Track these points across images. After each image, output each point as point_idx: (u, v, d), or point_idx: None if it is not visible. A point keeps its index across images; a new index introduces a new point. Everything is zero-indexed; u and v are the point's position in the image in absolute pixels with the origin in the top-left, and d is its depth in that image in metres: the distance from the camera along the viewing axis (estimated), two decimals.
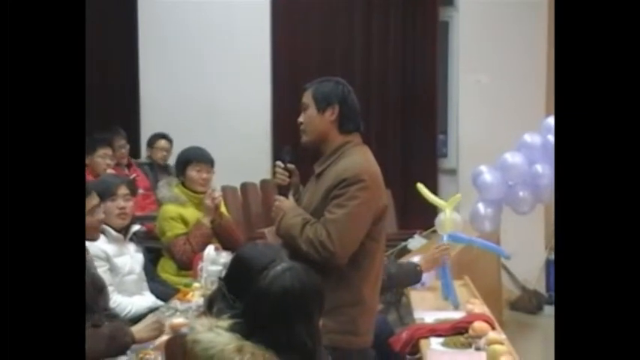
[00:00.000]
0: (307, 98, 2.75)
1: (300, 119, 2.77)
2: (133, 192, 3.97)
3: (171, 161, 5.65)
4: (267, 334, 1.92)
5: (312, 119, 2.73)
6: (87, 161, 4.81)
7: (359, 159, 2.69)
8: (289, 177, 2.82)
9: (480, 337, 2.72)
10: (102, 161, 5.04)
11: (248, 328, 1.95)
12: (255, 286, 2.00)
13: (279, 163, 2.84)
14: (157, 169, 5.81)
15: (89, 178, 4.46)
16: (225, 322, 2.01)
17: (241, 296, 2.39)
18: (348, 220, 2.58)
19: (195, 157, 4.09)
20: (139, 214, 4.33)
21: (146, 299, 3.49)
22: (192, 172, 4.05)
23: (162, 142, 5.95)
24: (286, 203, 2.76)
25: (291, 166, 2.84)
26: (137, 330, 2.71)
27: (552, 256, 6.46)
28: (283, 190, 2.82)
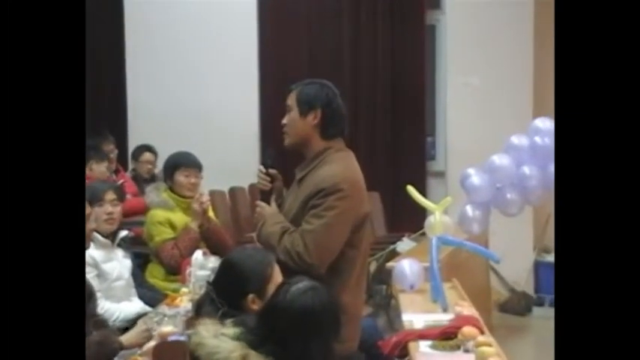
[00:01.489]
0: (291, 100, 2.73)
1: (284, 121, 2.75)
2: (121, 198, 3.95)
3: (156, 172, 5.67)
4: (281, 349, 1.92)
5: (295, 122, 2.71)
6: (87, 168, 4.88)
7: (339, 167, 2.65)
8: (271, 182, 2.80)
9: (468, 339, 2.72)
10: (105, 171, 5.08)
11: (258, 340, 1.95)
12: (274, 300, 2.00)
13: (260, 167, 2.83)
14: (142, 182, 5.75)
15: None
16: (231, 330, 2.01)
17: (230, 301, 2.39)
18: (326, 230, 2.55)
19: (184, 162, 4.09)
20: (126, 219, 4.31)
21: (134, 305, 3.48)
22: (181, 177, 4.04)
23: (148, 155, 5.92)
24: (267, 210, 2.74)
25: (272, 170, 2.82)
26: (127, 338, 2.71)
27: (541, 258, 6.50)
28: (266, 195, 2.80)
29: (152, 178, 5.73)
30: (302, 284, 2.02)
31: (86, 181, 3.64)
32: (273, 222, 2.66)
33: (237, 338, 1.97)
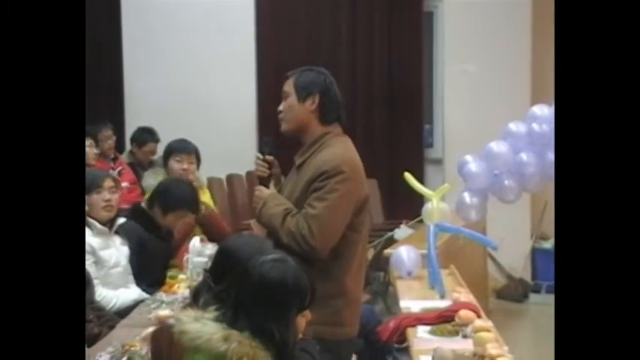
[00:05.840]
0: (289, 86, 2.74)
1: (281, 107, 2.75)
2: (117, 185, 3.94)
3: (155, 159, 5.64)
4: (245, 321, 1.93)
5: (292, 108, 2.71)
6: None
7: (339, 150, 2.66)
8: (269, 168, 2.81)
9: (466, 325, 2.72)
10: (90, 150, 5.04)
11: (232, 316, 1.96)
12: (241, 273, 2.00)
13: (258, 154, 2.83)
14: (140, 168, 5.69)
15: None
16: (212, 314, 2.01)
17: (226, 287, 2.39)
18: (329, 213, 2.56)
19: (176, 148, 4.12)
20: (124, 206, 4.31)
21: (132, 292, 3.47)
22: (173, 163, 4.08)
23: (152, 145, 5.81)
24: (266, 192, 2.75)
25: (270, 157, 2.82)
26: None
27: (538, 245, 6.52)
28: (264, 182, 2.81)
29: (151, 163, 5.70)
30: (270, 256, 2.01)
31: None
32: (275, 203, 2.67)
33: (217, 320, 1.97)
